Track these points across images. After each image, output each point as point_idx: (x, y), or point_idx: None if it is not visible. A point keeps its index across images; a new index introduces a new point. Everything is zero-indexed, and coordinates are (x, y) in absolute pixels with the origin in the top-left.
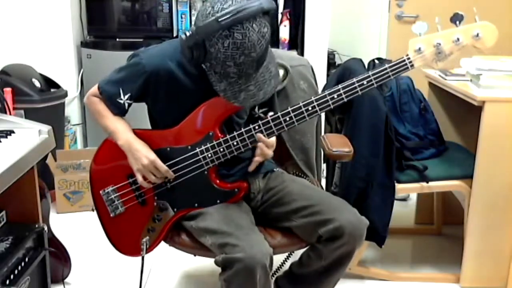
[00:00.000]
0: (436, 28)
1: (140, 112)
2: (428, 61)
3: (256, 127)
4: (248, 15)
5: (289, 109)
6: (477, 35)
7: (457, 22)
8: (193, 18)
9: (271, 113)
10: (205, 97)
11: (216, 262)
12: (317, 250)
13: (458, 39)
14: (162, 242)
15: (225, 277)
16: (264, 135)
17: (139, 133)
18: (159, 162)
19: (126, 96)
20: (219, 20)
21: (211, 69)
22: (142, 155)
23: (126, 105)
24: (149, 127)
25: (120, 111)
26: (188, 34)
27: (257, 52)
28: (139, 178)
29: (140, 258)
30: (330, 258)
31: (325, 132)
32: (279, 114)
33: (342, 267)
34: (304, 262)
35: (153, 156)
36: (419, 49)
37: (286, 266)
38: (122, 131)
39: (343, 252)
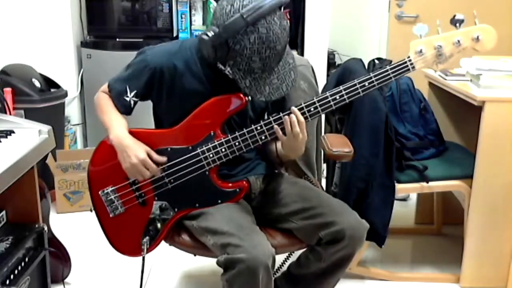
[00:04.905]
0: (437, 30)
1: (142, 112)
2: (429, 63)
3: (258, 127)
4: (270, 9)
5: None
6: (477, 37)
7: (457, 25)
8: (193, 18)
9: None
10: (210, 97)
11: (218, 263)
12: (317, 252)
13: (458, 41)
14: (162, 242)
15: (227, 277)
16: (266, 136)
17: (139, 133)
18: (149, 162)
19: (132, 94)
20: (244, 16)
21: (235, 66)
22: (132, 153)
23: (132, 102)
24: (151, 127)
25: (125, 109)
26: (210, 34)
27: (281, 45)
28: (130, 176)
29: (140, 258)
30: (329, 260)
31: (325, 132)
32: (281, 114)
33: (341, 270)
34: (302, 263)
35: (143, 155)
36: (420, 51)
37: (285, 266)
38: (115, 127)
39: (343, 255)
